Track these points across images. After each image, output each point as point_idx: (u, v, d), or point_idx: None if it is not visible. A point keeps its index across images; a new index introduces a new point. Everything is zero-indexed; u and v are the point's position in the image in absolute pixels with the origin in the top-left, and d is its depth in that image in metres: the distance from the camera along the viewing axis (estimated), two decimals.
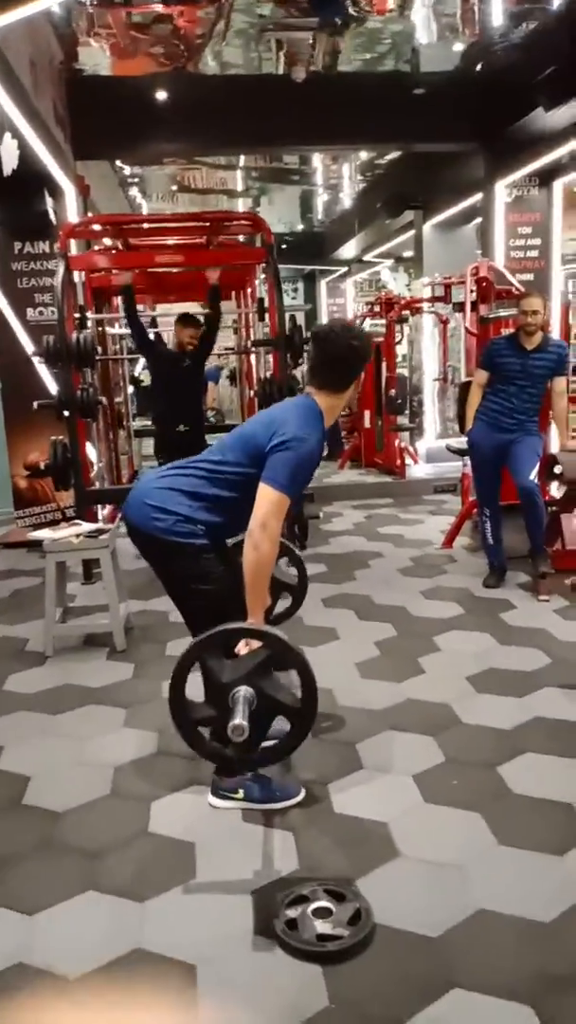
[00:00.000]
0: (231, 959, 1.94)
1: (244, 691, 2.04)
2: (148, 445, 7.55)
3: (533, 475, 4.45)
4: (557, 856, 2.26)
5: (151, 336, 5.87)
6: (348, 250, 14.09)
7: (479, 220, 8.81)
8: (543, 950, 1.93)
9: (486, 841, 2.35)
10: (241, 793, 2.54)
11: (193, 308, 9.99)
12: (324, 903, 2.06)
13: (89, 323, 5.76)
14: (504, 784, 2.64)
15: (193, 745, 2.18)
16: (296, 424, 2.34)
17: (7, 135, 4.51)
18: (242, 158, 9.83)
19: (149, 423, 6.90)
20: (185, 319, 5.46)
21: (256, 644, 2.14)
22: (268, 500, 2.27)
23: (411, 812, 2.51)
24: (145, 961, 1.95)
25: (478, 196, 8.37)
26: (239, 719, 1.95)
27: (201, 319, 5.62)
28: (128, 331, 6.00)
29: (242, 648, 2.20)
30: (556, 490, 5.04)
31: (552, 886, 2.15)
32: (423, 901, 2.11)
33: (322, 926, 1.99)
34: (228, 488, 2.41)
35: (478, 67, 7.19)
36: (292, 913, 2.03)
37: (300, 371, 9.03)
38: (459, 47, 6.86)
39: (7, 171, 4.57)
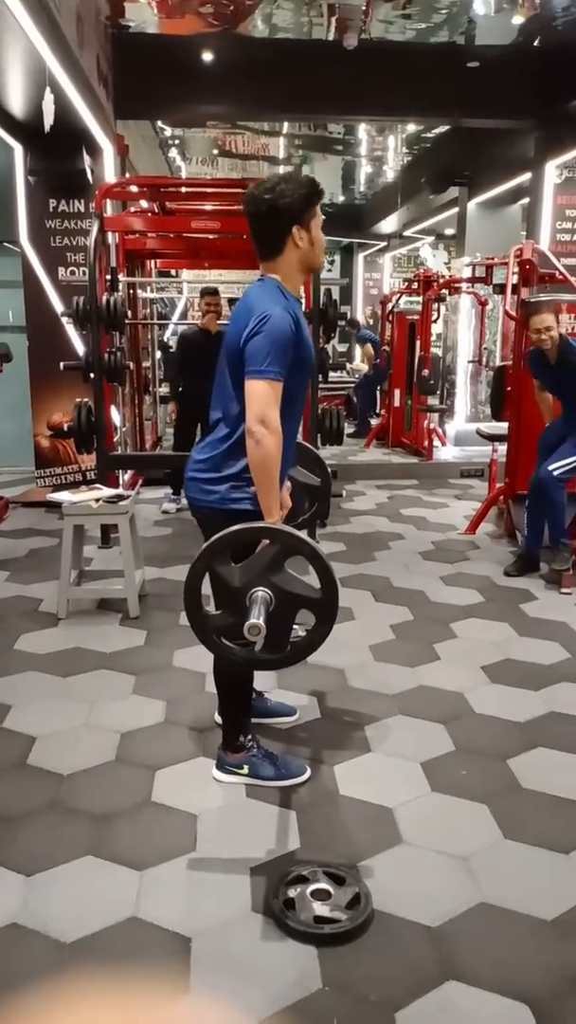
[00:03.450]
0: (226, 935, 1.92)
1: (260, 592, 1.97)
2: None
3: (556, 466, 4.37)
4: (563, 854, 2.21)
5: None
6: (388, 224, 13.86)
7: (526, 200, 8.60)
8: (544, 949, 1.89)
9: (492, 834, 2.31)
10: (246, 769, 2.52)
11: (229, 275, 9.92)
12: (323, 885, 2.04)
13: (120, 286, 5.70)
14: (514, 778, 2.60)
15: (221, 655, 2.11)
16: (257, 306, 2.14)
17: (47, 89, 4.42)
18: (286, 125, 9.65)
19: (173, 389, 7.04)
20: (206, 290, 6.08)
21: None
22: (258, 392, 2.09)
23: (417, 800, 2.47)
24: (140, 930, 1.94)
25: (526, 175, 8.17)
26: (254, 619, 1.88)
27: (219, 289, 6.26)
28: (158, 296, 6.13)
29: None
30: None
31: (556, 884, 2.10)
32: (424, 890, 2.07)
33: (320, 908, 1.97)
34: None
35: (536, 42, 6.96)
36: (291, 893, 2.01)
37: (331, 345, 8.94)
38: (518, 20, 6.63)
39: (46, 127, 4.49)
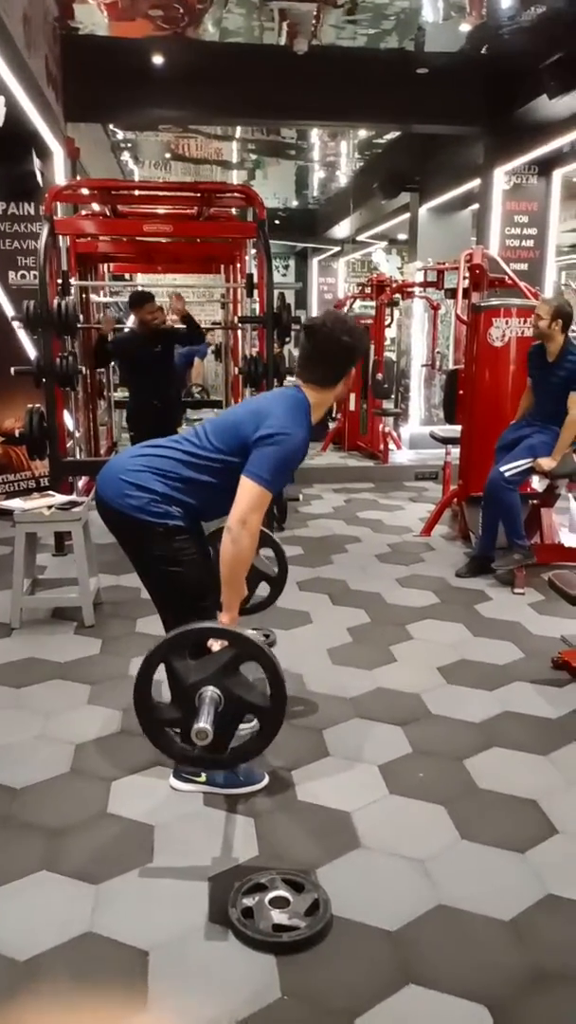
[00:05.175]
0: (184, 946, 1.90)
1: (211, 692, 1.98)
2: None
3: (507, 468, 4.41)
4: (519, 853, 2.24)
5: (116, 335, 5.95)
6: (342, 229, 13.94)
7: (476, 206, 8.73)
8: (501, 949, 1.91)
9: (449, 836, 2.32)
10: (203, 776, 2.50)
11: (182, 279, 9.88)
12: (282, 892, 2.03)
13: (72, 289, 5.63)
14: (470, 778, 2.62)
15: (160, 747, 2.11)
16: (283, 418, 2.29)
17: None
18: (239, 129, 9.65)
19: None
20: (136, 300, 5.37)
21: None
22: (250, 495, 2.22)
23: (375, 803, 2.48)
24: (97, 945, 1.90)
25: (476, 182, 8.29)
26: (203, 723, 1.89)
27: (152, 293, 5.54)
28: (112, 299, 5.99)
29: (214, 644, 2.14)
30: (538, 483, 5.00)
31: (513, 884, 2.12)
32: (383, 894, 2.08)
33: (278, 916, 1.96)
34: (206, 473, 2.34)
35: (483, 50, 7.08)
36: (249, 902, 1.99)
37: (287, 349, 8.96)
38: (465, 28, 6.73)
39: None
